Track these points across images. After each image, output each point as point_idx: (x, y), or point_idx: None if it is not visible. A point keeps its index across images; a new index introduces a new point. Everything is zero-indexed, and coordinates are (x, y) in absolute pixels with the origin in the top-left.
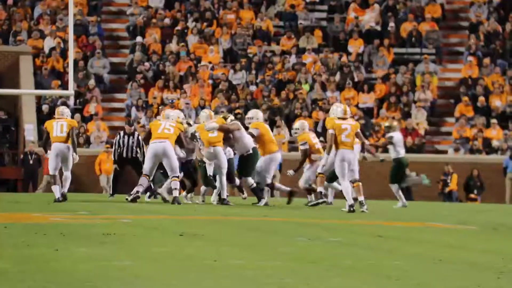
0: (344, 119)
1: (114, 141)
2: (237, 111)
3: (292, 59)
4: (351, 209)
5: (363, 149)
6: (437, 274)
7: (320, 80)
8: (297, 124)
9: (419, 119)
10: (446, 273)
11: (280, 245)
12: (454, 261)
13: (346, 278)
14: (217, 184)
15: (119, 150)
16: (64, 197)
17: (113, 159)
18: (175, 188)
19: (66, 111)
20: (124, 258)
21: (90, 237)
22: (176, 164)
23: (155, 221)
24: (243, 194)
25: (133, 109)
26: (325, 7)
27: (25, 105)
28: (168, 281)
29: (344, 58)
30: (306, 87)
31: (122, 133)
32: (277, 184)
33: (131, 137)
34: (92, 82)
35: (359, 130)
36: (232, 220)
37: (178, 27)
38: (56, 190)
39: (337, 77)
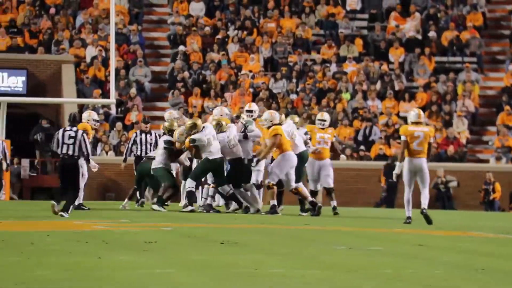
0: (418, 123)
1: (130, 140)
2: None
3: (333, 67)
4: (408, 221)
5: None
6: (477, 284)
7: (360, 88)
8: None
9: (461, 128)
10: (486, 282)
11: (320, 253)
12: (495, 270)
13: (386, 286)
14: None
15: (135, 149)
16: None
17: (123, 157)
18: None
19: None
20: (165, 266)
21: (132, 245)
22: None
23: (196, 229)
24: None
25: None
26: (366, 16)
27: (67, 114)
28: None
29: (384, 67)
30: (346, 96)
31: (138, 131)
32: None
33: (148, 135)
34: (133, 91)
35: (432, 140)
36: (273, 228)
37: (219, 36)
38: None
39: (378, 85)
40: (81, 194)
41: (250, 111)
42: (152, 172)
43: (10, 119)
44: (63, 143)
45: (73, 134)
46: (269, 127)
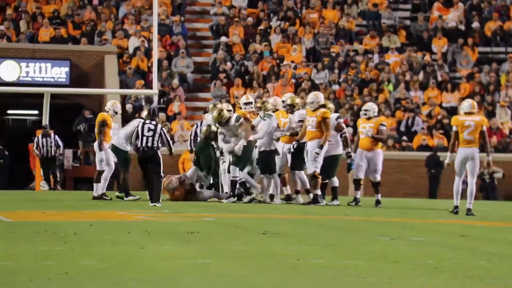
0: (471, 113)
1: (191, 132)
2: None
3: (375, 58)
4: (456, 210)
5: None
6: None
7: (403, 79)
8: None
9: (504, 119)
10: None
11: (362, 244)
12: None
13: (429, 277)
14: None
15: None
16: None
17: (189, 149)
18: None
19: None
20: (207, 256)
21: (174, 235)
22: None
23: (237, 220)
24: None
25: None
26: (409, 6)
27: None
28: (251, 280)
29: (427, 57)
30: (389, 86)
31: (199, 123)
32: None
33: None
34: (175, 82)
35: (484, 129)
36: (314, 219)
37: (261, 27)
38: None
39: (421, 76)
40: (105, 184)
41: (248, 103)
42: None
43: (54, 110)
44: (142, 135)
45: (152, 127)
46: (315, 109)
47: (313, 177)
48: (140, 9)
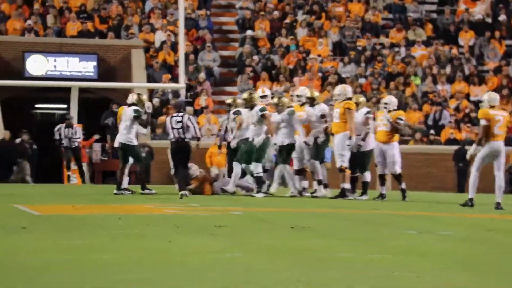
0: (496, 107)
1: (222, 125)
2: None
3: (402, 51)
4: (471, 203)
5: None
6: None
7: (430, 72)
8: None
9: None
10: None
11: (390, 238)
12: None
13: (457, 272)
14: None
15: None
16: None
17: (219, 144)
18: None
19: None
20: (235, 250)
21: (202, 229)
22: None
23: (266, 214)
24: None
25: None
26: (435, 0)
27: None
28: (278, 273)
29: (454, 51)
30: (416, 80)
31: (226, 116)
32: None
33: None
34: (202, 75)
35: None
36: (342, 213)
37: (287, 20)
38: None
39: (448, 69)
40: (126, 179)
41: (264, 96)
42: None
43: (81, 104)
44: (172, 128)
45: (179, 119)
46: (341, 101)
47: (340, 170)
48: (166, 3)
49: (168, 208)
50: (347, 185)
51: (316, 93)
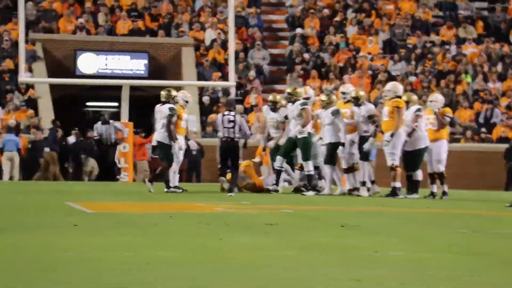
0: None
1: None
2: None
3: (452, 49)
4: None
5: None
6: None
7: (481, 70)
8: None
9: None
10: None
11: (441, 237)
12: None
13: (510, 271)
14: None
15: None
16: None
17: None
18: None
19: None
20: (286, 248)
21: (253, 227)
22: None
23: (316, 212)
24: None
25: None
26: None
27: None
28: (329, 271)
29: (505, 48)
30: (467, 78)
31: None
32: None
33: None
34: (252, 74)
35: None
36: (393, 211)
37: (337, 18)
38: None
39: (499, 67)
40: (176, 177)
41: (307, 98)
42: None
43: (132, 102)
44: (223, 127)
45: (232, 118)
46: (391, 99)
47: (391, 169)
48: (216, 1)
49: (219, 206)
50: (398, 184)
51: (362, 93)
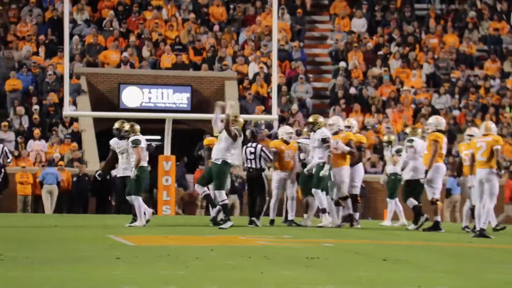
0: None
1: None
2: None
3: (496, 83)
4: None
5: None
6: None
7: None
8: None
9: None
10: None
11: (485, 271)
12: None
13: None
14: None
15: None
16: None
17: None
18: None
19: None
20: (327, 282)
21: (294, 260)
22: None
23: (357, 246)
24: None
25: None
26: None
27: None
28: None
29: None
30: None
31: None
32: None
33: None
34: (295, 107)
35: None
36: (435, 245)
37: (381, 52)
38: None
39: None
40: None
41: (348, 127)
42: None
43: (175, 135)
44: (247, 158)
45: (252, 150)
46: (432, 132)
47: (432, 203)
48: (260, 35)
49: (260, 239)
50: (439, 218)
51: (321, 119)
